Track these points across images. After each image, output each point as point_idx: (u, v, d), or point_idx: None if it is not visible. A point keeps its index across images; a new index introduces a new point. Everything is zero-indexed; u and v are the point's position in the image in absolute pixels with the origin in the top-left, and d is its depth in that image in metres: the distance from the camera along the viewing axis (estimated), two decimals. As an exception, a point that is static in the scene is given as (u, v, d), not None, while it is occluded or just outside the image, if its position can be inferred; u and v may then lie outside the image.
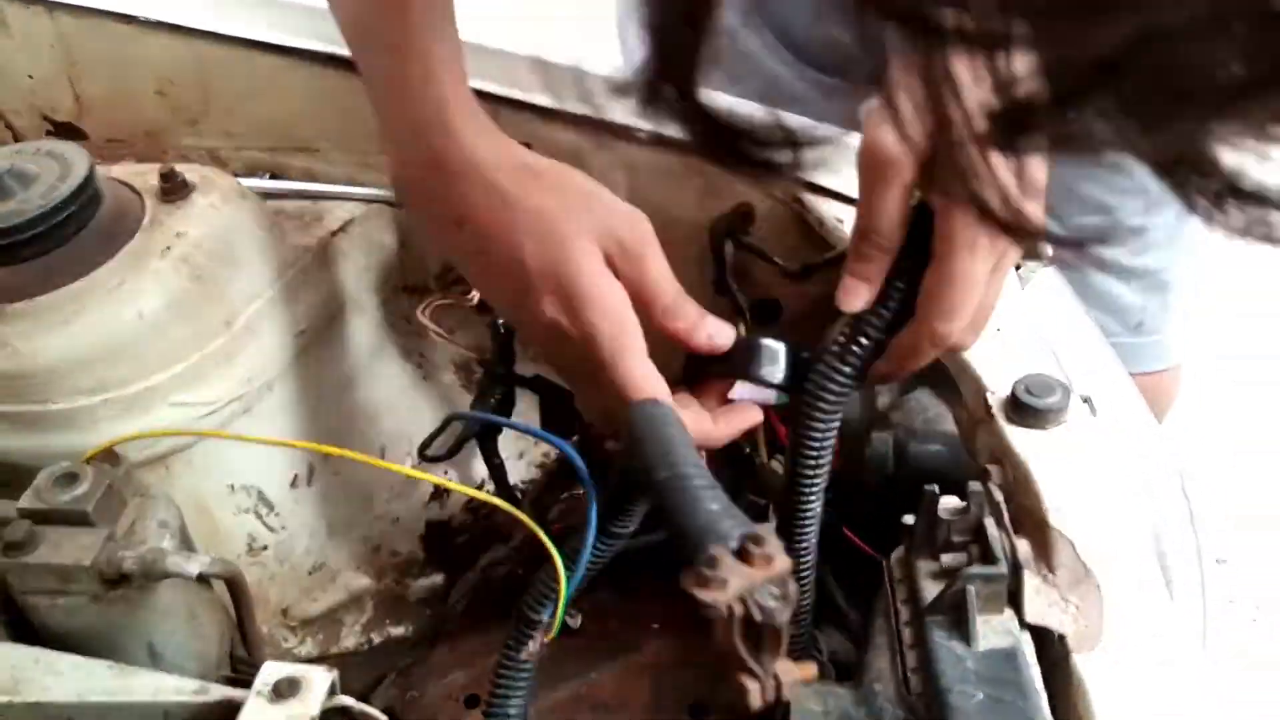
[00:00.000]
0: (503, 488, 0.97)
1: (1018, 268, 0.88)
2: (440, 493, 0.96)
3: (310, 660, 0.91)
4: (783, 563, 0.52)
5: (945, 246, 0.61)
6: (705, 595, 0.50)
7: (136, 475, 0.69)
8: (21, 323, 0.69)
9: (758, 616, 0.50)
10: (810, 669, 0.54)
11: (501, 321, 0.91)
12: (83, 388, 0.70)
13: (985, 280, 0.63)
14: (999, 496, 0.66)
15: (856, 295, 0.65)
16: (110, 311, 0.70)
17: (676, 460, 0.57)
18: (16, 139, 1.06)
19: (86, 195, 0.72)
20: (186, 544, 0.67)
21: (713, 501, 0.56)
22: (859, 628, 0.82)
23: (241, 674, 0.71)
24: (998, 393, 0.73)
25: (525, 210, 0.62)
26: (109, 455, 0.65)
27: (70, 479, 0.62)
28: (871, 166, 0.62)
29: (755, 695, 0.51)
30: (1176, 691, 0.60)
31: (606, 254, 0.63)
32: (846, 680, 0.69)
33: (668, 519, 0.56)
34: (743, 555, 0.52)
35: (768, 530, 0.54)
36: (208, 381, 0.75)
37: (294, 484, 0.84)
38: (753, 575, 0.51)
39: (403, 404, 0.94)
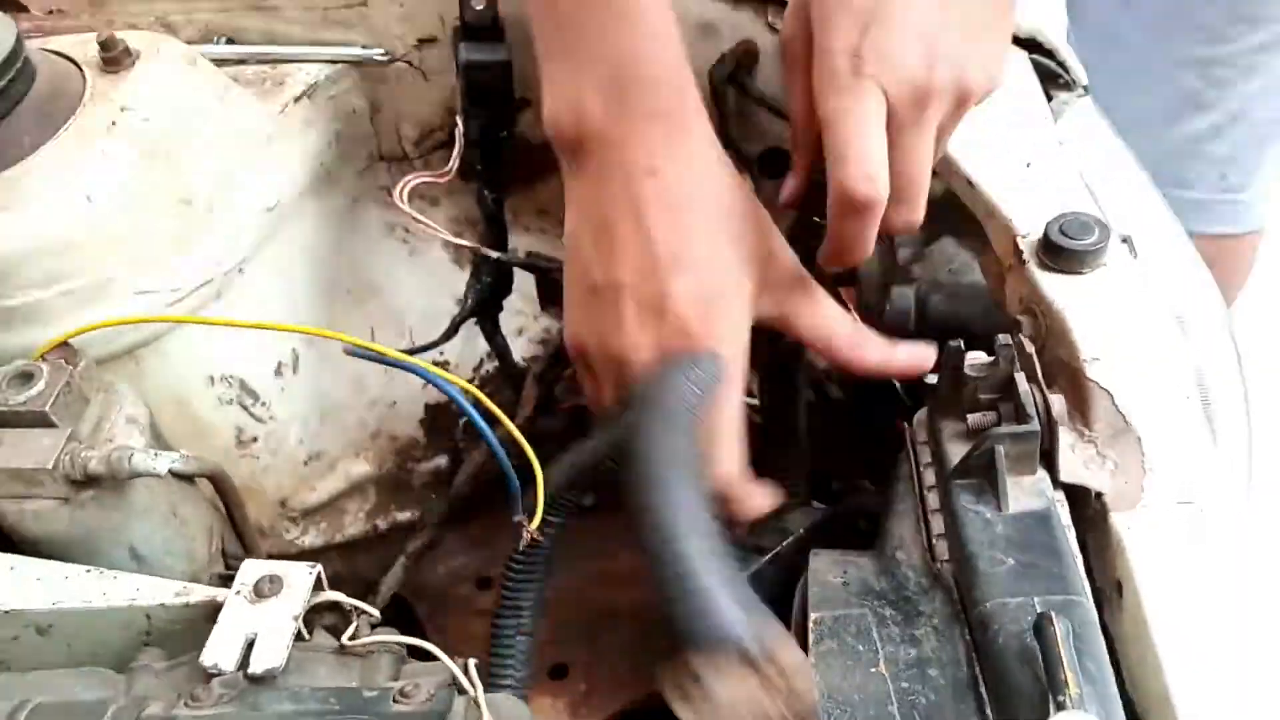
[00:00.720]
0: (506, 365, 0.93)
1: (1049, 98, 0.81)
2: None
3: (315, 550, 0.89)
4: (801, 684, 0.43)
5: (815, 89, 0.57)
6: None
7: (101, 371, 0.64)
8: (-42, 211, 0.63)
9: None
10: None
11: (490, 194, 0.84)
12: (34, 280, 0.65)
13: (872, 123, 0.56)
14: (1030, 348, 0.60)
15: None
16: (54, 196, 0.65)
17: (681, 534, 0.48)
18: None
19: (15, 69, 0.65)
20: (159, 441, 0.63)
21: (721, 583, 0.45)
22: (878, 495, 0.78)
23: (234, 571, 0.68)
24: (1029, 235, 0.66)
25: (723, 211, 0.59)
26: (67, 351, 0.60)
27: (25, 378, 0.58)
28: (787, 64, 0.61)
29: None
30: (1221, 550, 0.56)
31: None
32: (867, 549, 0.65)
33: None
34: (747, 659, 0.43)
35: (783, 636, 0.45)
36: (171, 267, 0.69)
37: (279, 372, 0.80)
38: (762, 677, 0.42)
39: (389, 283, 0.89)
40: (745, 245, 0.59)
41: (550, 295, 0.85)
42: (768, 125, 0.83)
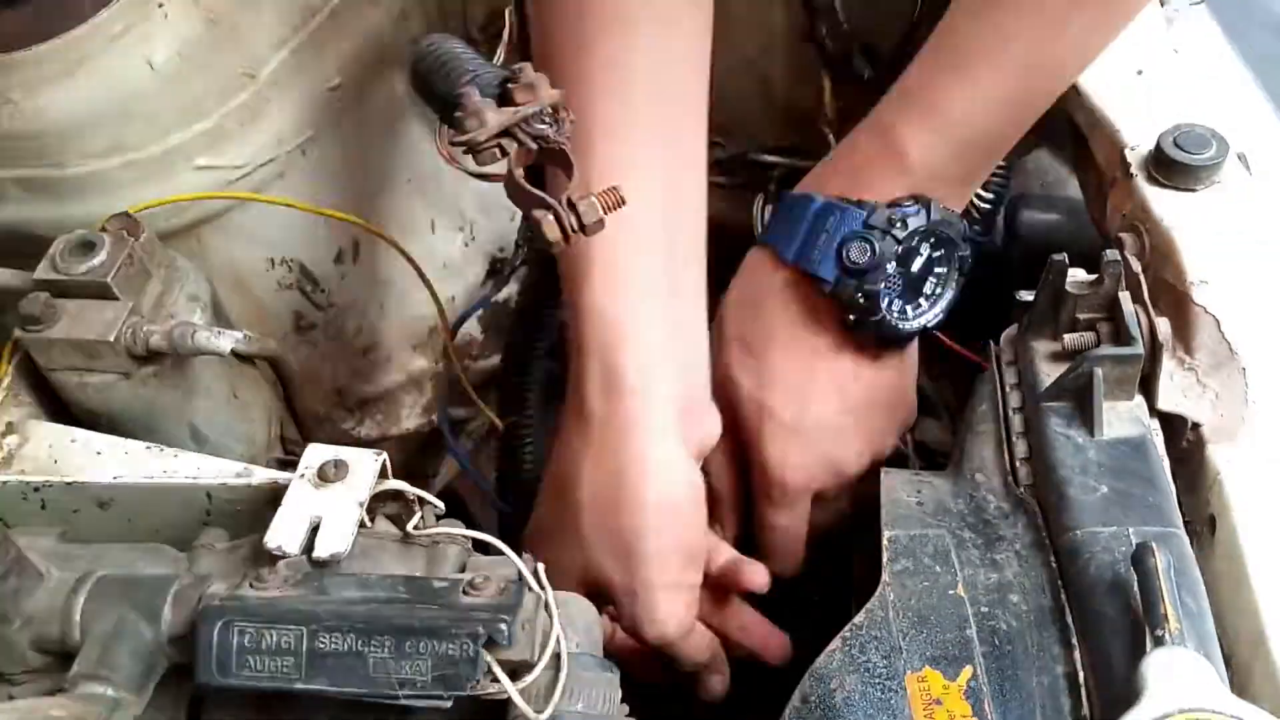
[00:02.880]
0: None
1: (1162, 3, 0.75)
2: (498, 271, 0.90)
3: (371, 441, 0.88)
4: (550, 92, 0.52)
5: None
6: (461, 138, 0.50)
7: (164, 246, 0.62)
8: (19, 73, 0.61)
9: (530, 144, 0.51)
10: (614, 193, 0.53)
11: None
12: (96, 149, 0.63)
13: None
14: (1138, 267, 0.57)
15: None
16: (116, 61, 0.62)
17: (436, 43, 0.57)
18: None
19: (78, -77, 0.62)
20: (220, 319, 0.61)
21: (470, 63, 0.55)
22: (953, 417, 0.75)
23: (293, 456, 0.67)
24: (1138, 148, 0.62)
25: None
26: (129, 223, 0.58)
27: (87, 247, 0.56)
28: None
29: (552, 228, 0.50)
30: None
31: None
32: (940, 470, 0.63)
33: (430, 97, 0.56)
34: (504, 99, 0.52)
35: (525, 66, 0.53)
36: (234, 142, 0.67)
37: (339, 259, 0.78)
38: (515, 110, 0.51)
39: (449, 172, 0.86)
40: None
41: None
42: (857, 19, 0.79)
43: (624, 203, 0.54)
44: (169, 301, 0.59)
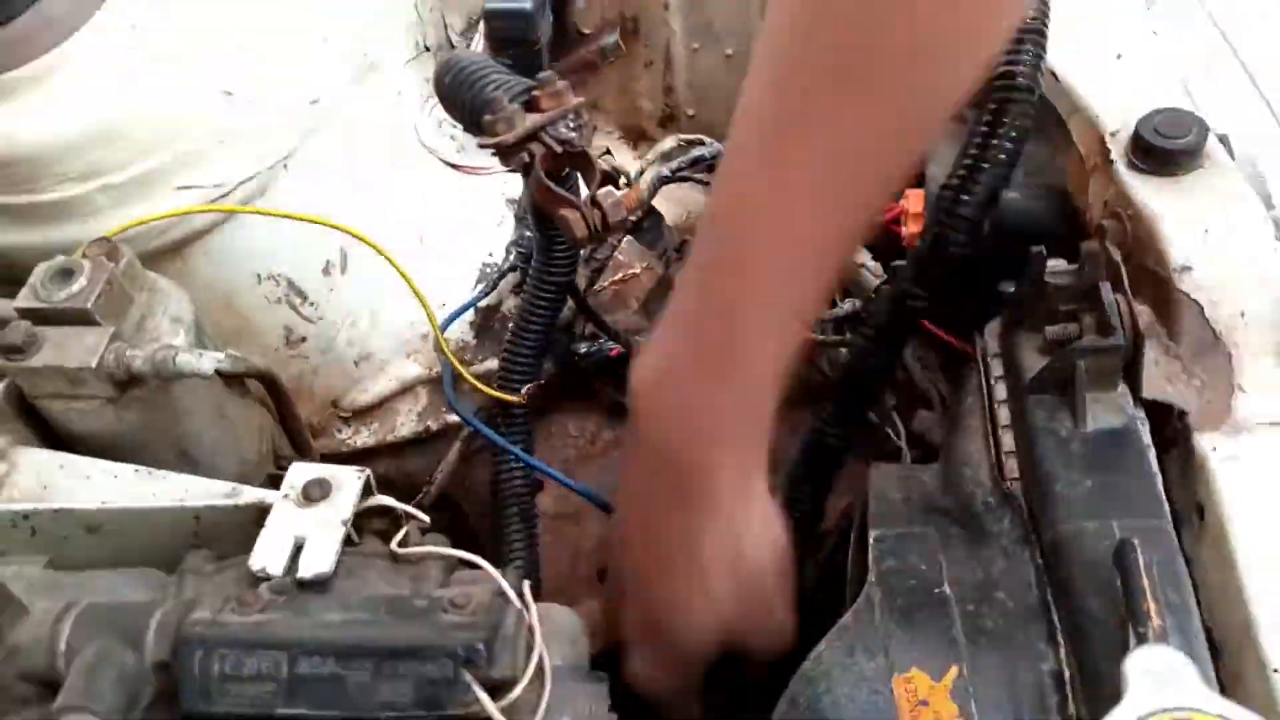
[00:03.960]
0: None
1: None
2: (488, 274, 0.90)
3: (367, 450, 0.89)
4: (573, 99, 0.55)
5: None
6: (494, 141, 0.53)
7: (146, 269, 0.62)
8: (-5, 101, 0.61)
9: (556, 147, 0.54)
10: (634, 195, 0.57)
11: None
12: (73, 173, 0.64)
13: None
14: (1117, 255, 0.56)
15: None
16: (90, 85, 0.62)
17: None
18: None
19: (47, -52, 0.62)
20: (204, 339, 0.62)
21: (496, 74, 0.58)
22: (944, 406, 0.75)
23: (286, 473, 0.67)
24: (1118, 133, 0.62)
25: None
26: (108, 247, 0.59)
27: (66, 274, 0.57)
28: None
29: (577, 224, 0.53)
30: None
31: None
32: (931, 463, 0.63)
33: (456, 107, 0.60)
34: (531, 105, 0.55)
35: (550, 76, 0.56)
36: (213, 161, 0.67)
37: (326, 271, 0.78)
38: (542, 115, 0.54)
39: (439, 180, 0.86)
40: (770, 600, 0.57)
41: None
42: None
43: (645, 203, 0.56)
44: (151, 325, 0.59)
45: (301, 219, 0.72)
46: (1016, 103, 0.63)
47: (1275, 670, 0.47)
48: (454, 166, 0.83)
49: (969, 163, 0.64)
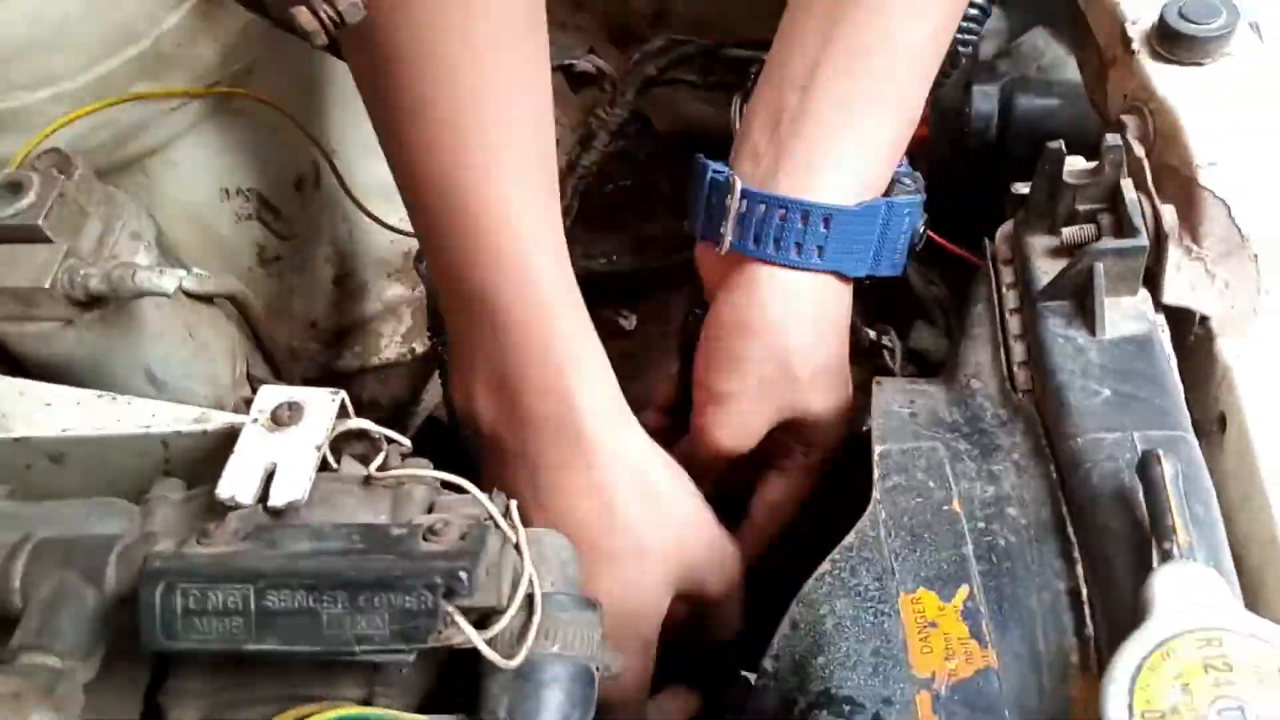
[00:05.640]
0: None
1: None
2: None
3: (349, 374, 0.86)
4: None
5: None
6: None
7: (103, 183, 0.59)
8: (-70, 3, 0.57)
9: None
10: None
11: None
12: (22, 80, 0.59)
13: None
14: (1140, 151, 0.53)
15: None
16: (39, -17, 0.58)
17: None
18: None
19: None
20: (170, 257, 0.58)
21: None
22: (949, 320, 0.72)
23: (261, 396, 0.64)
24: (1140, 22, 0.57)
25: (622, 536, 0.56)
26: (59, 159, 0.55)
27: (14, 188, 0.53)
28: None
29: (309, 20, 0.48)
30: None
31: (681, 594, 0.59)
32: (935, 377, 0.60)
33: None
34: None
35: None
36: (171, 66, 0.63)
37: (299, 186, 0.74)
38: None
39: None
40: (659, 537, 0.57)
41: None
42: None
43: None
44: (110, 241, 0.55)
45: (288, 117, 0.67)
46: None
47: (1301, 586, 0.45)
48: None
49: None
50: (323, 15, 0.49)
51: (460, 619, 0.37)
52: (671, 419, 0.68)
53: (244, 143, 0.69)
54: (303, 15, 0.49)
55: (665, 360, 0.91)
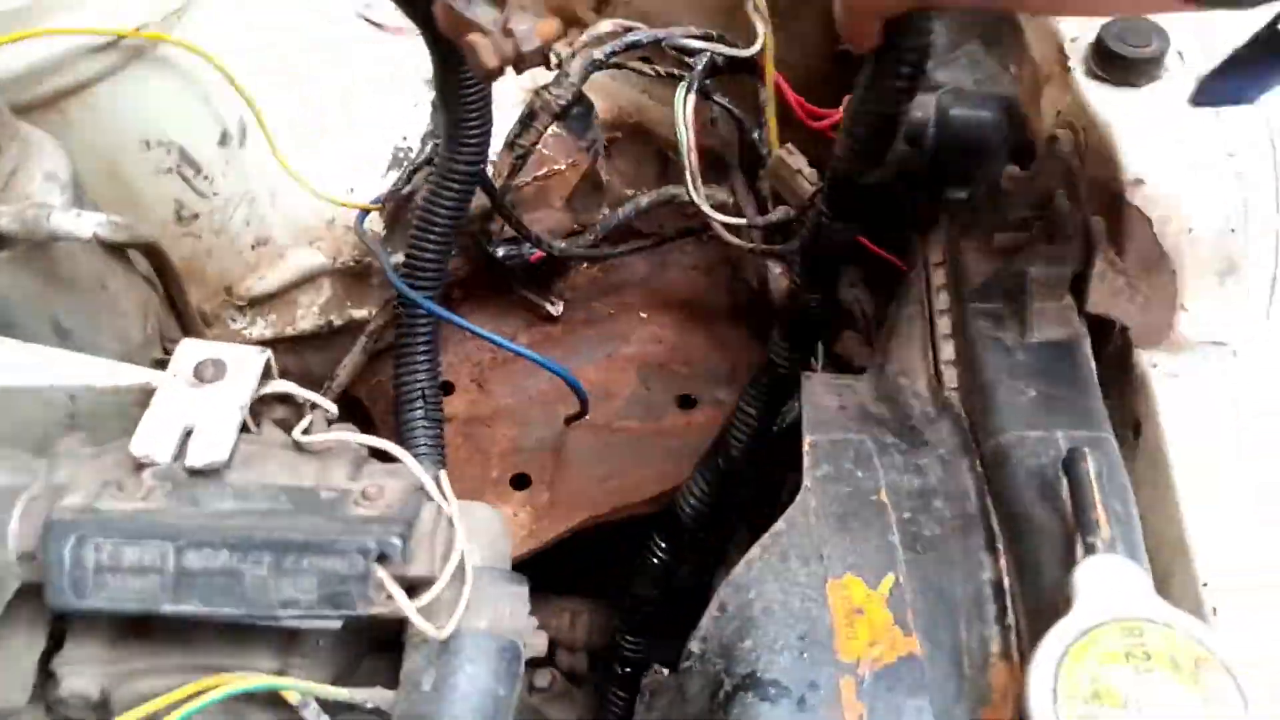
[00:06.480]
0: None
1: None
2: (401, 160, 0.84)
3: (264, 342, 0.83)
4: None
5: None
6: None
7: (23, 122, 0.55)
8: None
9: None
10: (551, 25, 0.49)
11: None
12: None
13: None
14: (1075, 163, 0.54)
15: None
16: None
17: None
18: None
19: None
20: (83, 202, 0.55)
21: None
22: (869, 325, 0.73)
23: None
24: (1078, 40, 0.59)
25: None
26: (-30, 89, 0.52)
27: (-81, 116, 0.49)
28: None
29: (485, 51, 0.47)
30: (1251, 395, 0.52)
31: None
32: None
33: None
34: None
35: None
36: (95, 1, 0.60)
37: (223, 142, 0.72)
38: None
39: (359, 50, 0.79)
40: None
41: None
42: None
43: (564, 35, 0.49)
44: (23, 180, 0.53)
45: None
46: None
47: (1205, 584, 0.47)
48: (370, 22, 0.76)
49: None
50: (501, 48, 0.47)
51: (393, 585, 0.36)
52: None
53: (169, 92, 0.66)
54: (481, 47, 0.47)
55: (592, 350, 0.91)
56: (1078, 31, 0.60)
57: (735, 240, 0.78)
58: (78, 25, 0.59)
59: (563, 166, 0.87)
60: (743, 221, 0.78)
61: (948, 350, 0.56)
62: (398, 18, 0.68)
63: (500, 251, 0.84)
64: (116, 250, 0.58)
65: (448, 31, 0.49)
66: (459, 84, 0.59)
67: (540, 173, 0.87)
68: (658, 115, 0.90)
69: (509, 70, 0.48)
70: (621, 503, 0.81)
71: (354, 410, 0.84)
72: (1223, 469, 0.49)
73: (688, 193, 0.76)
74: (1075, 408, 0.49)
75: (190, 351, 0.46)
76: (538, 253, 0.84)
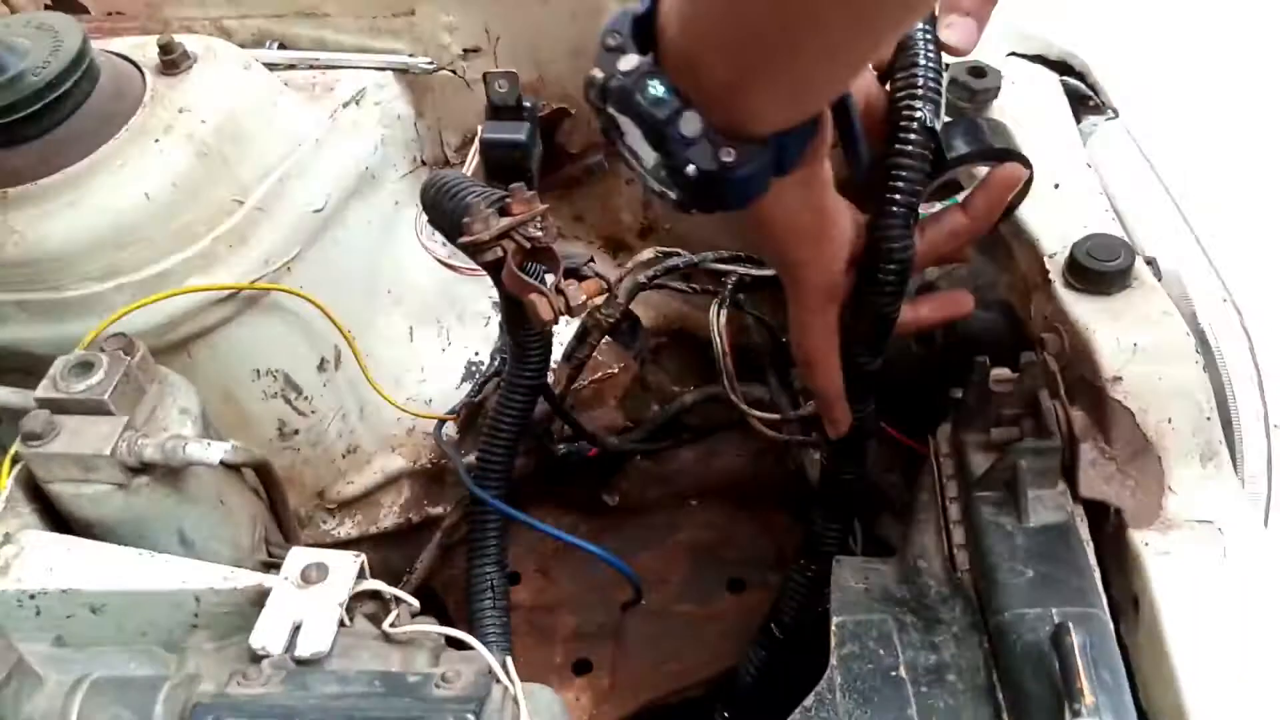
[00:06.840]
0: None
1: (1079, 120, 0.82)
2: (474, 373, 0.94)
3: (349, 542, 0.92)
4: (539, 205, 0.64)
5: None
6: (470, 238, 0.63)
7: (156, 363, 0.67)
8: (26, 208, 0.66)
9: (526, 244, 0.64)
10: (595, 285, 0.64)
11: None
12: (94, 273, 0.68)
13: None
14: (1054, 366, 0.62)
15: None
16: (115, 193, 0.67)
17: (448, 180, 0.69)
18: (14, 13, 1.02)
19: (81, 70, 0.68)
20: (209, 430, 0.65)
21: (474, 185, 0.68)
22: (903, 507, 0.79)
23: (276, 559, 0.70)
24: (1056, 255, 0.68)
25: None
26: (124, 342, 0.63)
27: (85, 368, 0.61)
28: None
29: (544, 307, 0.62)
30: (1238, 569, 0.57)
31: None
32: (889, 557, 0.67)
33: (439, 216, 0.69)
34: (504, 210, 0.64)
35: (520, 186, 0.65)
36: (223, 263, 0.72)
37: (321, 367, 0.83)
38: (514, 218, 0.63)
39: (430, 283, 0.91)
40: None
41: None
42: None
43: (606, 290, 0.62)
44: (161, 415, 0.63)
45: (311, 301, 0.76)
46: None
47: (1203, 749, 0.51)
48: (448, 266, 0.88)
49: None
50: (555, 304, 0.62)
51: (468, 756, 0.43)
52: None
53: (277, 329, 0.78)
54: (540, 305, 0.62)
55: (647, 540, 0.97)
56: (1056, 248, 0.69)
57: (770, 433, 0.85)
58: (208, 283, 0.71)
59: (615, 370, 0.97)
60: (777, 417, 0.86)
61: (958, 534, 0.62)
62: (471, 263, 0.80)
63: (561, 449, 0.92)
64: (234, 469, 0.67)
65: (513, 291, 0.61)
66: (523, 319, 0.69)
67: (595, 376, 0.96)
68: (699, 321, 1.00)
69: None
70: (678, 685, 0.86)
71: (430, 599, 0.91)
72: (1215, 639, 0.54)
73: (726, 392, 0.84)
74: (1069, 586, 0.54)
75: (298, 557, 0.54)
76: (594, 449, 0.93)
